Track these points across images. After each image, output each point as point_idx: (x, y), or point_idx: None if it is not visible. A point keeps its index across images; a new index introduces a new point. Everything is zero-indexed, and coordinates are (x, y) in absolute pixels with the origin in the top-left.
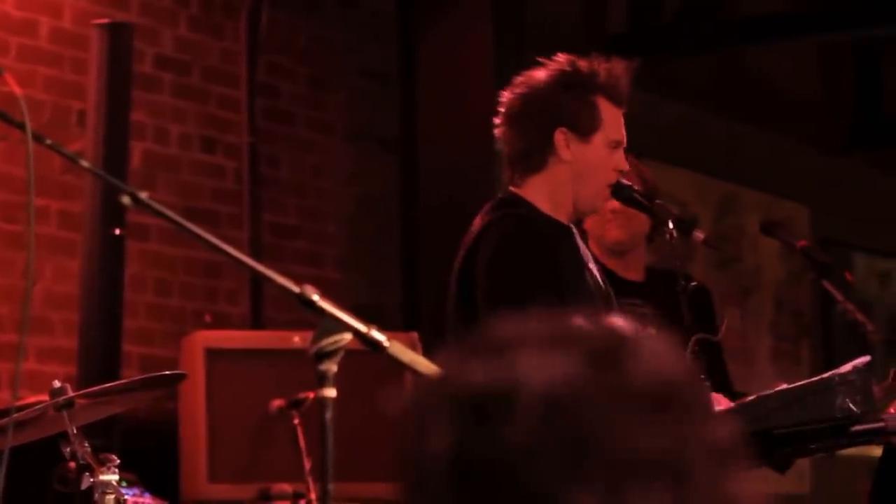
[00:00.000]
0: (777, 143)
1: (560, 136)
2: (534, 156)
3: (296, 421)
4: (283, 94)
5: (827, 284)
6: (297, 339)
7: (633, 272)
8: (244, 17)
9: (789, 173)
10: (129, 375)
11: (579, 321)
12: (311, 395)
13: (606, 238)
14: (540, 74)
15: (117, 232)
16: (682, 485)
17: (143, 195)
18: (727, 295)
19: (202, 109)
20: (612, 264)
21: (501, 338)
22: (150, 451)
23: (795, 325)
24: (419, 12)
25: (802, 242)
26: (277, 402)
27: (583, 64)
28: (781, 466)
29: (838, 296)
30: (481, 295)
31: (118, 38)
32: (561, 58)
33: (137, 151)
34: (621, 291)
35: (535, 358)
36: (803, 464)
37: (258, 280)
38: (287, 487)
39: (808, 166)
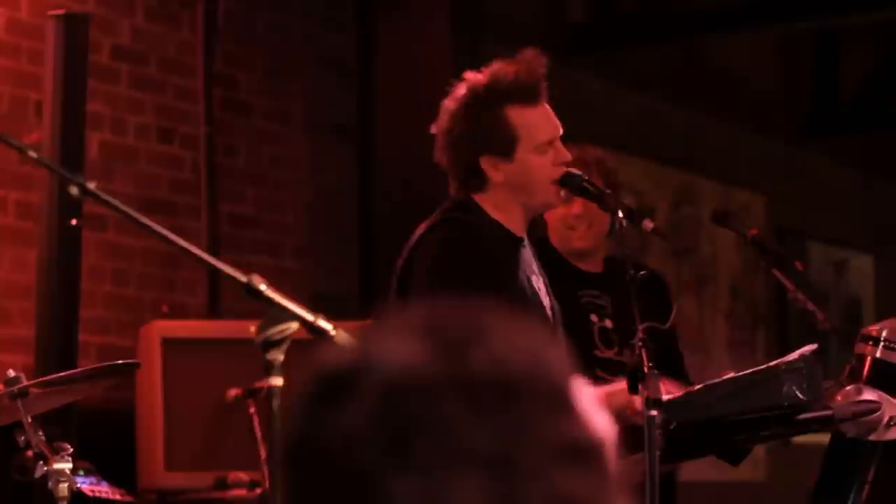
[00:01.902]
0: (734, 132)
1: (486, 163)
2: (471, 179)
3: (252, 410)
4: (240, 84)
5: (778, 273)
6: (253, 329)
7: (592, 264)
8: (201, 8)
9: (746, 163)
10: (87, 365)
11: (443, 309)
12: (266, 384)
13: (570, 247)
14: (450, 105)
15: (73, 223)
16: (509, 479)
17: (91, 185)
18: (683, 284)
19: (159, 100)
20: (572, 257)
21: (374, 324)
22: (107, 441)
23: (751, 314)
24: (378, 2)
25: (753, 231)
26: (234, 392)
27: (482, 78)
28: (734, 459)
29: (789, 285)
30: (415, 296)
31: (74, 29)
32: (467, 76)
33: (95, 142)
34: (580, 283)
35: (386, 343)
36: (759, 452)
37: (215, 271)
38: (244, 476)
39: (764, 156)
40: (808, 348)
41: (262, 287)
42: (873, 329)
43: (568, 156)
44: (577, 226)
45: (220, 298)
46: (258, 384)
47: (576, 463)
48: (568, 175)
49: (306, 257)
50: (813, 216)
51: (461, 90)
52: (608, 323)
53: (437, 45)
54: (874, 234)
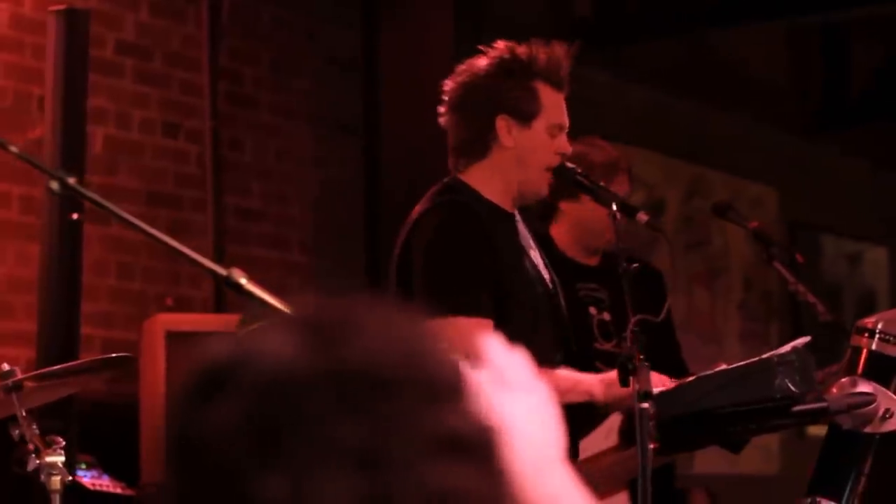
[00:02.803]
0: (745, 125)
1: (501, 123)
2: (476, 143)
3: None
4: (246, 79)
5: (779, 266)
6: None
7: (592, 257)
8: (205, 2)
9: (757, 156)
10: (90, 358)
11: (322, 304)
12: None
13: (596, 244)
14: (480, 62)
15: (75, 217)
16: (382, 475)
17: (71, 180)
18: (696, 276)
19: (164, 94)
20: (572, 251)
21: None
22: (109, 434)
23: (764, 305)
24: None
25: (754, 224)
26: None
27: (521, 50)
28: (735, 448)
29: (790, 277)
30: (416, 280)
31: (74, 24)
32: (500, 45)
33: (99, 137)
34: (579, 276)
35: (264, 339)
36: (772, 444)
37: (221, 265)
38: None
39: (776, 149)
40: (801, 341)
41: (243, 281)
42: (869, 321)
43: (569, 149)
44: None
45: (225, 292)
46: None
47: (456, 456)
48: (563, 166)
49: (312, 251)
50: (825, 209)
51: (492, 53)
52: (606, 315)
53: (441, 41)
54: (887, 226)
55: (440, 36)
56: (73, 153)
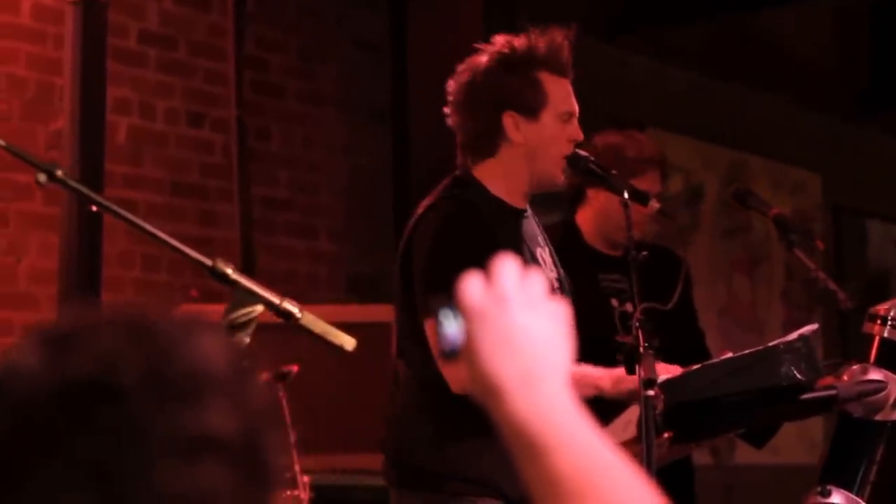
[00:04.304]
0: (787, 108)
1: (508, 120)
2: (484, 141)
3: (281, 394)
4: (272, 67)
5: (799, 253)
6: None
7: (615, 248)
8: None
9: (800, 140)
10: None
11: (66, 313)
12: (296, 368)
13: (621, 237)
14: (480, 59)
15: (94, 209)
16: (113, 484)
17: (59, 172)
18: (736, 263)
19: (189, 84)
20: (595, 241)
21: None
22: None
23: (807, 292)
24: None
25: (775, 211)
26: (263, 376)
27: (519, 42)
28: (758, 442)
29: (811, 264)
30: (417, 276)
31: (93, 15)
32: (498, 39)
33: (122, 127)
34: (601, 267)
35: (13, 355)
36: (815, 434)
37: (249, 255)
38: None
39: (819, 132)
40: (808, 328)
41: (229, 271)
42: (881, 308)
43: (580, 135)
44: (641, 223)
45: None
46: (287, 368)
47: (202, 457)
48: (576, 154)
49: (341, 240)
50: (871, 193)
51: (491, 49)
52: (629, 307)
53: (470, 24)
54: None
55: (470, 18)
56: (92, 144)
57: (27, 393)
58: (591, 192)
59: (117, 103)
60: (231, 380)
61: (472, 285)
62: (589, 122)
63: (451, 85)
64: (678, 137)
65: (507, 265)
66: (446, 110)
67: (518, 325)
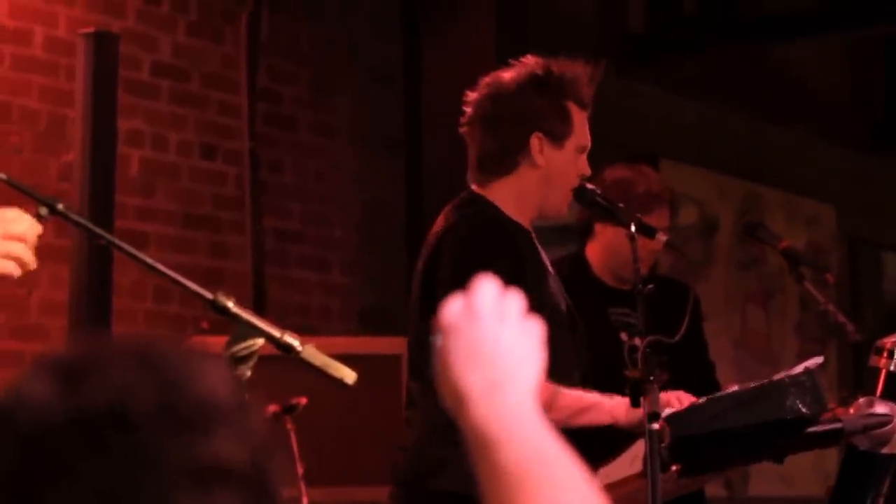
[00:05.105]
0: (802, 140)
1: (535, 141)
2: (504, 159)
3: (289, 426)
4: (285, 99)
5: (808, 286)
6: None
7: (625, 282)
8: (244, 22)
9: (815, 172)
10: None
11: (77, 341)
12: (304, 400)
13: (628, 272)
14: (509, 75)
15: (103, 242)
16: None
17: (60, 206)
18: (751, 296)
19: (202, 116)
20: (604, 274)
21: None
22: None
23: (822, 325)
24: (423, 13)
25: (784, 244)
26: (271, 408)
27: (552, 67)
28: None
29: (820, 297)
30: (443, 296)
31: (104, 47)
32: (529, 59)
33: (135, 159)
34: (611, 301)
35: (23, 384)
36: (829, 465)
37: (261, 287)
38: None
39: (834, 164)
40: (813, 362)
41: (230, 304)
42: (888, 342)
43: (588, 170)
44: (647, 259)
45: (264, 315)
46: (295, 401)
47: (214, 486)
48: (582, 187)
49: (353, 272)
50: (886, 225)
51: (523, 68)
52: (637, 341)
53: (483, 56)
54: None
55: (482, 50)
56: (102, 176)
57: (38, 422)
58: (598, 227)
59: (130, 135)
60: (236, 410)
61: (451, 302)
62: (601, 154)
63: (474, 97)
64: (693, 169)
65: (485, 282)
66: (464, 121)
67: (487, 338)
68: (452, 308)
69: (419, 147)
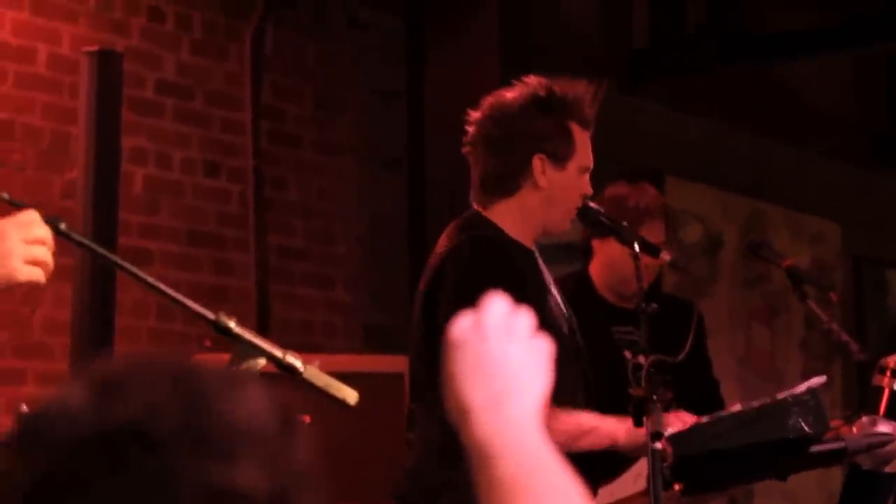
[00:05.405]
0: (806, 157)
1: (538, 162)
2: (507, 181)
3: None
4: (289, 116)
5: (811, 304)
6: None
7: (628, 301)
8: (248, 40)
9: (819, 189)
10: None
11: (117, 357)
12: (308, 418)
13: (628, 289)
14: (512, 96)
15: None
16: None
17: (62, 225)
18: (755, 313)
19: (205, 134)
20: (606, 292)
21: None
22: None
23: (826, 343)
24: (427, 31)
25: (788, 262)
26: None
27: (557, 87)
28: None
29: (823, 316)
30: (444, 314)
31: (107, 66)
32: (531, 80)
33: (139, 177)
34: (615, 319)
35: (61, 395)
36: (833, 485)
37: (265, 304)
38: None
39: (838, 181)
40: (816, 381)
41: (231, 324)
42: (891, 360)
43: (591, 190)
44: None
45: (268, 332)
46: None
47: None
48: (587, 207)
49: (357, 289)
50: (891, 243)
51: (525, 89)
52: (642, 359)
53: (487, 73)
54: None
55: (486, 68)
56: (106, 194)
57: (66, 434)
58: (596, 244)
59: (133, 153)
60: (269, 438)
61: (460, 318)
62: (605, 171)
63: (477, 117)
64: (697, 186)
65: (494, 300)
66: (466, 141)
67: (493, 354)
68: (462, 324)
69: (422, 164)
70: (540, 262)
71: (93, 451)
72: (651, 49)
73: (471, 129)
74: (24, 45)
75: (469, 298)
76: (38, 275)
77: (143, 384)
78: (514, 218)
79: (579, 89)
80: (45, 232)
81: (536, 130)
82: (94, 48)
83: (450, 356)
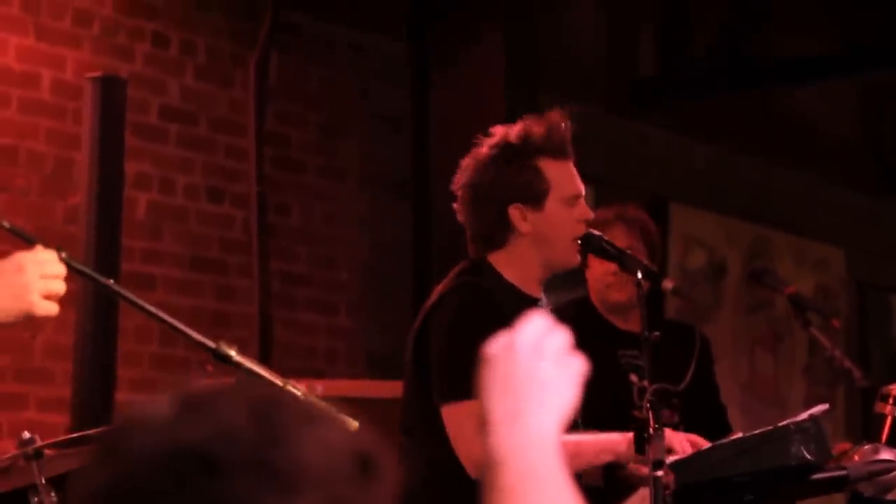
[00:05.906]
0: (811, 184)
1: (514, 212)
2: (494, 235)
3: None
4: (293, 142)
5: (814, 331)
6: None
7: (632, 324)
8: (253, 66)
9: (823, 215)
10: None
11: (208, 380)
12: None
13: (608, 300)
14: (482, 153)
15: (110, 282)
16: None
17: (63, 254)
18: (759, 339)
19: (209, 159)
20: (612, 318)
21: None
22: None
23: (830, 369)
24: (432, 56)
25: (790, 290)
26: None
27: (515, 132)
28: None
29: (826, 343)
30: (434, 363)
31: (111, 92)
32: (497, 131)
33: (142, 202)
34: (619, 343)
35: (144, 410)
36: None
37: (268, 330)
38: None
39: (843, 208)
40: (819, 409)
41: (232, 353)
42: (893, 388)
43: (590, 214)
44: (613, 283)
45: (271, 357)
46: None
47: None
48: (588, 234)
49: (360, 315)
50: (895, 269)
51: (489, 143)
52: (647, 383)
53: (492, 99)
54: None
55: (492, 92)
56: (109, 219)
57: (139, 445)
58: (586, 270)
59: (137, 178)
60: (338, 480)
61: (498, 338)
62: (610, 196)
63: (457, 181)
64: (701, 213)
65: (531, 320)
66: (455, 206)
67: (521, 370)
68: (498, 342)
69: (427, 190)
70: (541, 306)
71: (160, 467)
72: (656, 75)
73: (456, 186)
74: (28, 70)
75: (453, 345)
76: (54, 309)
77: (222, 409)
78: (512, 265)
79: (549, 120)
80: (61, 268)
81: (503, 182)
82: (98, 74)
83: (482, 372)
